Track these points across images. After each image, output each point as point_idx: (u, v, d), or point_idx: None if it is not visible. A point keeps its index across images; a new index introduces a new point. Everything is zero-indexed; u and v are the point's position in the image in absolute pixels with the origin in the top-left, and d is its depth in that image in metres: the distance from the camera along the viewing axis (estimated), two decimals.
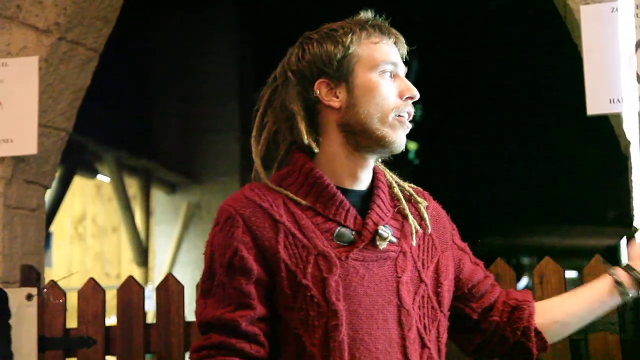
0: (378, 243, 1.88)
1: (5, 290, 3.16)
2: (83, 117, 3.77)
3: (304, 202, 1.90)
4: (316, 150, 1.94)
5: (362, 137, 1.92)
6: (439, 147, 12.63)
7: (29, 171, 3.56)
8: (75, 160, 8.56)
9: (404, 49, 2.02)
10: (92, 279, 3.32)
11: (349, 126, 1.92)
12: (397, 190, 2.01)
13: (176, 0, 8.95)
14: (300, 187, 1.93)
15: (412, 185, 2.11)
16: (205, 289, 1.90)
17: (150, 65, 9.17)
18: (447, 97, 11.64)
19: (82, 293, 3.29)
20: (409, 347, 1.86)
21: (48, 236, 8.99)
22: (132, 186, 10.55)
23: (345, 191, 1.93)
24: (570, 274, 11.11)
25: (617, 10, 2.78)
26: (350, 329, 1.82)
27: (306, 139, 1.93)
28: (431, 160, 12.70)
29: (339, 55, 1.93)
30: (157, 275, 9.61)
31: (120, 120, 9.00)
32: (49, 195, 8.34)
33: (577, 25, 2.89)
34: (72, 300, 3.31)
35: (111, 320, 3.41)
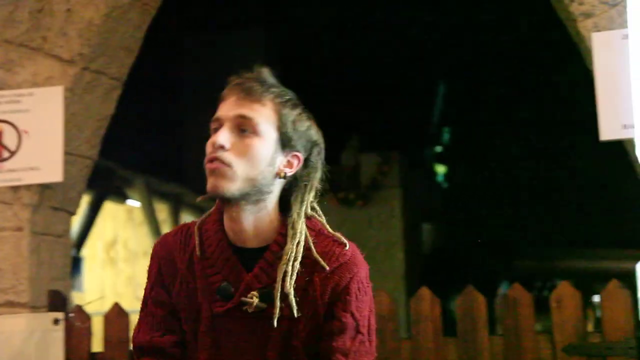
0: (244, 308, 1.94)
1: (32, 314, 3.21)
2: (113, 144, 3.82)
3: (197, 253, 2.00)
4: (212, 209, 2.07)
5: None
6: (468, 170, 12.60)
7: (55, 198, 3.62)
8: (105, 185, 8.67)
9: (248, 93, 1.97)
10: (117, 304, 3.37)
11: None
12: (287, 247, 1.96)
13: (205, 25, 9.05)
14: (211, 239, 2.02)
15: (341, 239, 2.04)
16: (140, 315, 2.10)
17: (179, 91, 9.28)
18: (476, 120, 11.64)
19: (107, 318, 3.34)
20: None
21: (79, 261, 9.08)
22: (162, 211, 10.65)
23: (239, 249, 1.98)
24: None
25: (627, 37, 2.80)
26: None
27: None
28: (460, 183, 12.66)
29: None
30: None
31: (150, 146, 9.10)
32: (79, 220, 8.52)
33: (589, 52, 2.91)
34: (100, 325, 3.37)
35: None
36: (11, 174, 3.45)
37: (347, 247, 2.02)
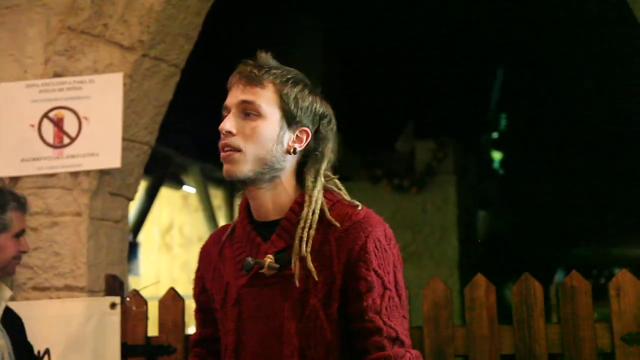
0: (262, 271, 2.05)
1: (90, 298, 3.25)
2: (169, 130, 3.86)
3: (223, 237, 2.22)
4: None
5: None
6: (524, 157, 12.47)
7: (114, 184, 3.67)
8: (162, 172, 8.76)
9: (249, 79, 2.10)
10: (172, 289, 3.41)
11: None
12: (304, 212, 2.07)
13: (263, 13, 9.07)
14: (238, 219, 2.20)
15: (354, 202, 2.12)
16: None
17: None
18: (534, 106, 11.50)
19: (162, 302, 3.38)
20: None
21: (136, 246, 9.20)
22: (217, 197, 10.73)
23: (261, 224, 2.13)
24: None
25: None
26: (240, 348, 2.09)
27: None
28: (516, 170, 12.54)
29: None
30: None
31: (206, 133, 9.16)
32: (136, 206, 8.62)
33: None
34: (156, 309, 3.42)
35: (192, 329, 3.49)
36: (71, 159, 3.51)
37: (360, 208, 2.10)
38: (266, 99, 2.07)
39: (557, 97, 11.23)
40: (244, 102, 2.07)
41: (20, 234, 2.93)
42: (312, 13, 9.17)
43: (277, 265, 2.04)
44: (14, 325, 2.97)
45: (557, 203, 11.84)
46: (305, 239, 2.04)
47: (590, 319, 3.01)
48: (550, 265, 11.84)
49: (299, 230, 2.05)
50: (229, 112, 2.10)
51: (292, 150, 2.09)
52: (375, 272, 2.02)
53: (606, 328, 3.00)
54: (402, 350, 2.00)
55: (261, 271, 2.05)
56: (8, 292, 2.95)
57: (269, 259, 2.04)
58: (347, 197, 2.15)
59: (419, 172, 9.46)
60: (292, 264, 2.02)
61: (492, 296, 3.11)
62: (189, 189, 10.36)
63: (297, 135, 2.10)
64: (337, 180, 2.18)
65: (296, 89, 2.10)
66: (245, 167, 2.04)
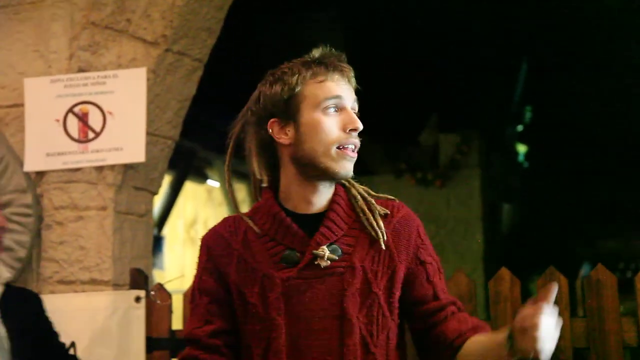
0: (317, 262, 2.05)
1: (114, 292, 3.27)
2: (193, 124, 3.87)
3: (257, 230, 2.14)
4: (264, 184, 2.20)
5: (310, 169, 2.10)
6: (550, 150, 12.39)
7: (138, 178, 3.69)
8: (186, 166, 8.78)
9: (353, 80, 2.17)
10: None
11: (299, 159, 2.12)
12: (360, 202, 2.14)
13: (284, 8, 9.07)
14: (264, 218, 2.15)
15: (389, 196, 2.21)
16: (190, 307, 2.26)
17: (258, 72, 9.33)
18: (559, 98, 11.42)
19: (186, 296, 3.38)
20: (347, 354, 2.03)
21: (160, 240, 9.24)
22: (241, 190, 10.74)
23: (300, 216, 2.13)
24: None
25: None
26: (289, 340, 2.05)
27: (259, 174, 2.20)
28: (542, 163, 12.47)
29: (285, 97, 2.12)
30: None
31: (229, 127, 9.18)
32: (161, 200, 8.66)
33: None
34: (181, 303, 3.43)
35: None
36: (96, 154, 3.53)
37: (397, 201, 2.21)
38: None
39: (582, 90, 11.15)
40: (355, 102, 2.15)
41: None
42: (333, 7, 9.15)
43: (336, 257, 2.05)
44: (21, 305, 2.97)
45: (582, 195, 11.76)
46: (368, 207, 2.12)
47: (616, 313, 2.98)
48: (576, 259, 11.77)
49: (361, 202, 2.13)
50: (341, 105, 2.12)
51: None
52: (432, 256, 2.19)
53: (632, 322, 2.97)
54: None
55: (316, 262, 2.05)
56: (5, 274, 2.96)
57: (327, 251, 2.05)
58: (374, 193, 2.21)
59: (443, 166, 9.44)
60: (374, 227, 2.09)
61: (517, 290, 3.10)
62: (213, 183, 10.38)
63: None
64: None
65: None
66: None
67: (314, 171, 2.10)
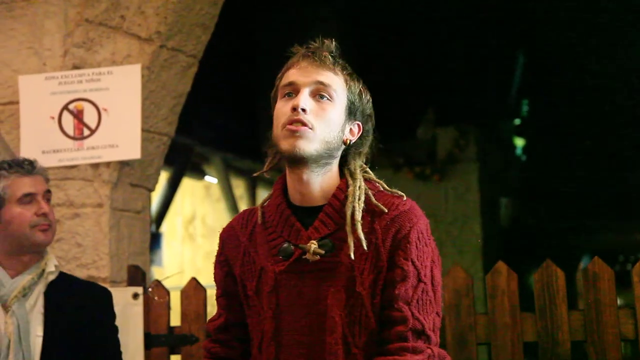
0: (305, 257, 2.03)
1: (112, 289, 3.27)
2: (191, 121, 3.87)
3: (260, 222, 2.15)
4: (267, 176, 2.22)
5: (282, 155, 2.08)
6: (547, 143, 12.38)
7: (134, 175, 3.68)
8: (183, 162, 8.78)
9: (329, 60, 2.09)
10: (194, 279, 3.42)
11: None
12: (349, 203, 2.05)
13: (278, 3, 9.06)
14: (272, 210, 2.14)
15: (397, 193, 2.13)
16: None
17: (255, 67, 9.33)
18: (556, 91, 11.41)
19: (184, 292, 3.38)
20: (329, 352, 2.00)
21: (159, 236, 9.24)
22: (239, 187, 10.76)
23: (303, 209, 2.10)
24: None
25: None
26: (278, 335, 2.06)
27: (266, 167, 2.20)
28: (539, 156, 12.46)
29: (274, 89, 2.14)
30: None
31: (227, 123, 9.18)
32: (159, 197, 8.66)
33: None
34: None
35: None
36: (91, 151, 3.52)
37: (405, 199, 2.11)
38: (339, 86, 2.09)
39: (579, 82, 11.14)
40: (321, 83, 2.06)
41: (26, 198, 2.86)
42: (329, 2, 9.15)
43: (322, 251, 2.02)
44: (67, 298, 2.95)
45: (581, 188, 11.75)
46: (356, 211, 2.03)
47: (613, 306, 2.98)
48: (576, 252, 11.77)
49: (349, 204, 2.04)
50: (296, 89, 2.07)
51: (347, 141, 2.12)
52: (413, 262, 2.02)
53: (629, 314, 2.97)
54: (423, 345, 2.00)
55: (304, 257, 2.03)
56: (52, 264, 2.95)
57: (314, 245, 2.02)
58: (386, 187, 2.16)
59: (441, 160, 9.42)
60: (349, 238, 2.01)
61: (514, 283, 3.09)
62: (211, 180, 10.39)
63: (351, 128, 2.13)
64: (372, 173, 2.20)
65: (359, 84, 2.14)
66: (312, 146, 2.02)
67: (283, 156, 2.08)
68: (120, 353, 3.06)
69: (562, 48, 10.62)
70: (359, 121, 2.14)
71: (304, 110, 2.02)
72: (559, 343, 2.99)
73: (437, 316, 2.06)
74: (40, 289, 2.90)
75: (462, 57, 9.91)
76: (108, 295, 3.10)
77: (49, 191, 2.98)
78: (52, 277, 2.94)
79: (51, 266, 2.94)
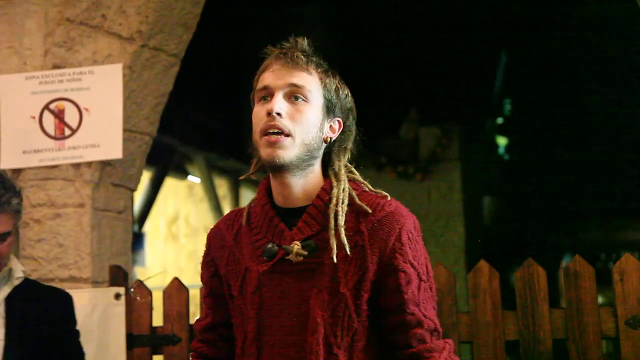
0: (288, 257, 2.02)
1: (94, 289, 3.26)
2: (173, 120, 3.86)
3: (244, 223, 2.15)
4: (254, 177, 2.20)
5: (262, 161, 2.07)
6: (530, 142, 12.44)
7: (116, 175, 3.67)
8: (166, 162, 8.76)
9: (302, 60, 2.07)
10: (176, 279, 3.40)
11: None
12: (332, 206, 2.04)
13: (263, 2, 9.05)
14: (257, 211, 2.14)
15: (382, 193, 2.12)
16: None
17: (239, 67, 9.32)
18: (538, 91, 11.46)
19: (166, 292, 3.37)
20: (310, 353, 2.00)
21: (142, 236, 9.21)
22: (222, 186, 10.73)
23: (287, 210, 2.10)
24: None
25: None
26: (261, 335, 2.06)
27: (252, 169, 2.19)
28: (522, 155, 12.51)
29: (252, 91, 2.12)
30: None
31: (210, 122, 9.16)
32: (141, 196, 8.63)
33: None
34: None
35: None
36: (73, 151, 3.51)
37: (389, 198, 2.10)
38: (313, 86, 2.06)
39: (562, 81, 11.19)
40: (294, 85, 2.04)
41: None
42: (314, 2, 9.15)
43: (305, 252, 2.01)
44: (30, 305, 2.93)
45: (564, 187, 11.81)
46: (339, 214, 2.02)
47: (594, 304, 3.00)
48: (558, 251, 11.81)
49: (332, 207, 2.03)
50: (270, 93, 2.05)
51: (328, 139, 2.10)
52: (411, 264, 2.04)
53: (610, 312, 2.99)
54: (441, 342, 2.06)
55: (287, 257, 2.02)
56: (18, 269, 2.92)
57: (297, 246, 2.01)
58: (370, 187, 2.15)
59: (424, 159, 9.43)
60: (330, 241, 2.00)
61: (496, 282, 3.10)
62: (194, 179, 10.36)
63: (331, 125, 2.12)
64: (357, 173, 2.19)
65: (335, 80, 2.12)
66: (292, 152, 2.01)
67: (264, 164, 2.07)
68: (82, 355, 3.05)
69: (544, 48, 10.66)
70: (339, 117, 2.13)
71: (279, 114, 2.00)
72: (541, 341, 3.01)
73: (434, 310, 2.10)
74: (2, 295, 2.89)
75: (445, 57, 9.93)
76: (69, 299, 3.09)
77: (9, 233, 2.85)
78: (17, 282, 2.93)
79: (18, 272, 2.93)
